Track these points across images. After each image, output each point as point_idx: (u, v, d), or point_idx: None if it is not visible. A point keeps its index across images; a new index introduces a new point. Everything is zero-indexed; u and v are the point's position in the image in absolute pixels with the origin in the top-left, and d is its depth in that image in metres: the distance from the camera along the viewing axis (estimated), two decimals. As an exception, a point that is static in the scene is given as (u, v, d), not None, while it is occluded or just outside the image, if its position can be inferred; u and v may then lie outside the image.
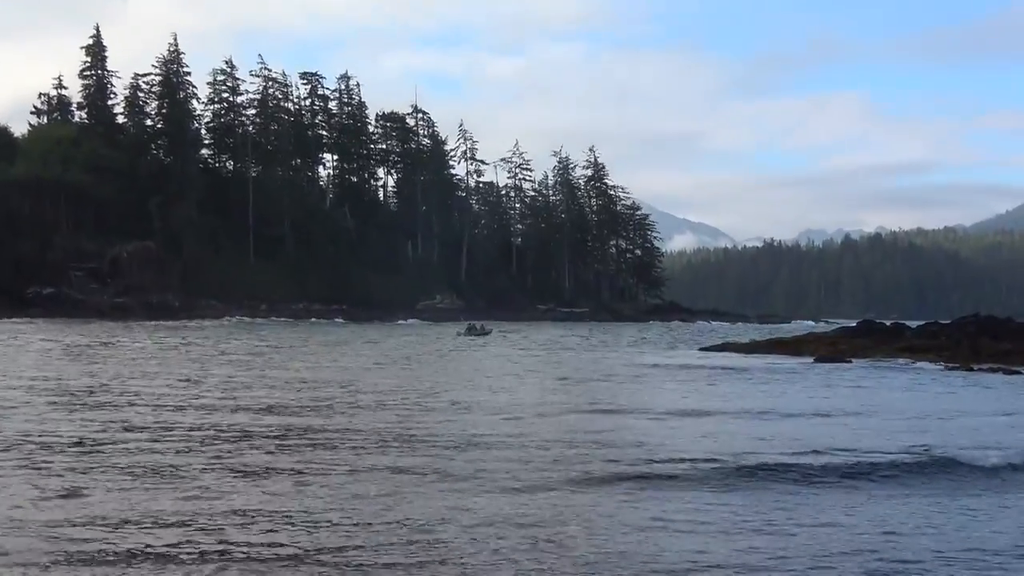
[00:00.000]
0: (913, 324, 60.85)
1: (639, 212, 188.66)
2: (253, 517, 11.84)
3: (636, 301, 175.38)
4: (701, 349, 60.24)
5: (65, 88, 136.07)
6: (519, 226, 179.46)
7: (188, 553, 10.37)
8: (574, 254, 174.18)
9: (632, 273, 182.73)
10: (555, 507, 12.70)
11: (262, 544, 10.72)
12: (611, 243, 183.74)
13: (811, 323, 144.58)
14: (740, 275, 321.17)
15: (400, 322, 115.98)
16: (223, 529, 11.27)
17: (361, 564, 10.17)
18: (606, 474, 14.81)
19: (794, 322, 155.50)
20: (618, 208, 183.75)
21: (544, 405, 24.94)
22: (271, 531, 11.25)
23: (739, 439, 19.10)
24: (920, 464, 16.42)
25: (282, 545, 10.70)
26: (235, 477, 14.26)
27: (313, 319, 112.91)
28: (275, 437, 18.35)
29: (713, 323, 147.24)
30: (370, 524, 11.64)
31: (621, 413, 23.63)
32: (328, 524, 11.61)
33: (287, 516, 11.93)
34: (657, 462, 15.97)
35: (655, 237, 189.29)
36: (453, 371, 37.85)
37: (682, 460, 16.12)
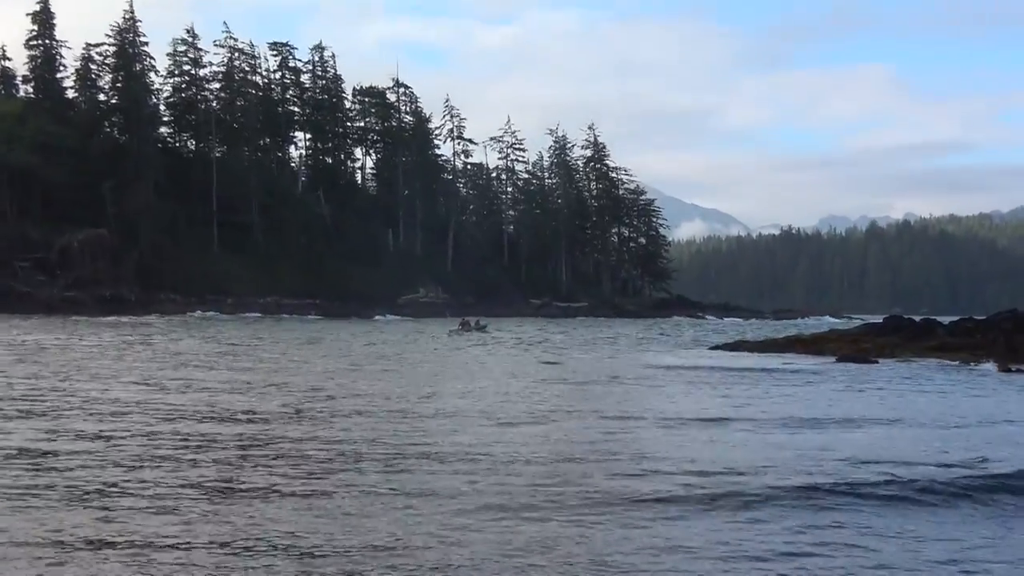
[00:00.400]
0: (945, 320, 60.75)
1: (643, 197, 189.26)
2: (208, 539, 11.55)
3: (640, 295, 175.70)
4: (712, 348, 60.24)
5: (9, 60, 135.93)
6: (511, 212, 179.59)
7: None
8: (572, 243, 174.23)
9: (636, 264, 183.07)
10: (550, 530, 12.41)
11: (219, 569, 10.44)
12: (613, 231, 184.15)
13: (833, 319, 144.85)
14: (755, 266, 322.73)
15: (379, 318, 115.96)
16: (175, 551, 10.99)
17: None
18: (608, 491, 14.54)
19: (814, 318, 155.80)
20: (620, 192, 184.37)
21: (539, 412, 24.69)
22: (230, 554, 10.96)
23: (757, 449, 18.86)
24: (983, 478, 15.79)
25: (239, 569, 10.42)
26: (191, 494, 13.97)
27: (284, 315, 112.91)
28: (237, 448, 18.07)
29: (725, 319, 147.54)
30: (338, 549, 11.35)
31: (625, 419, 23.38)
32: (291, 549, 11.32)
33: (246, 538, 11.63)
34: (664, 474, 15.72)
35: (661, 224, 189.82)
36: (439, 373, 37.60)
37: (694, 474, 15.86)
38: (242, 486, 14.60)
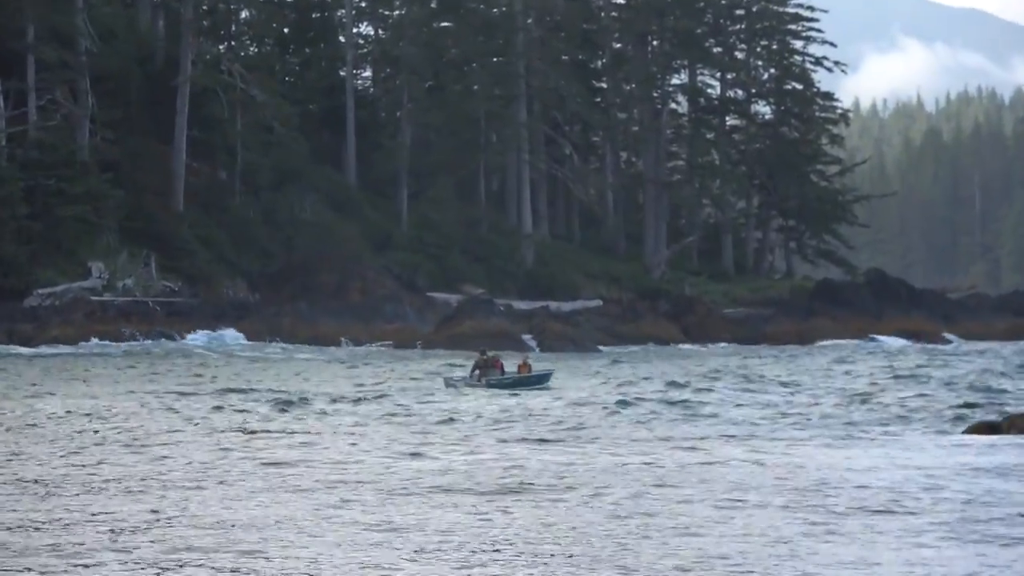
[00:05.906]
0: None
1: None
2: None
3: (754, 274, 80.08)
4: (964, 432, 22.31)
5: None
6: (364, 32, 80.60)
7: None
8: (550, 119, 76.84)
9: (745, 181, 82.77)
10: None
11: None
12: (672, 82, 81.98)
13: None
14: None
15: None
16: None
17: None
18: None
19: None
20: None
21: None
22: None
23: None
24: None
25: None
26: None
27: None
28: None
29: (985, 348, 57.78)
30: None
31: None
32: None
33: None
34: None
35: (818, 60, 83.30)
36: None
37: None
38: None
